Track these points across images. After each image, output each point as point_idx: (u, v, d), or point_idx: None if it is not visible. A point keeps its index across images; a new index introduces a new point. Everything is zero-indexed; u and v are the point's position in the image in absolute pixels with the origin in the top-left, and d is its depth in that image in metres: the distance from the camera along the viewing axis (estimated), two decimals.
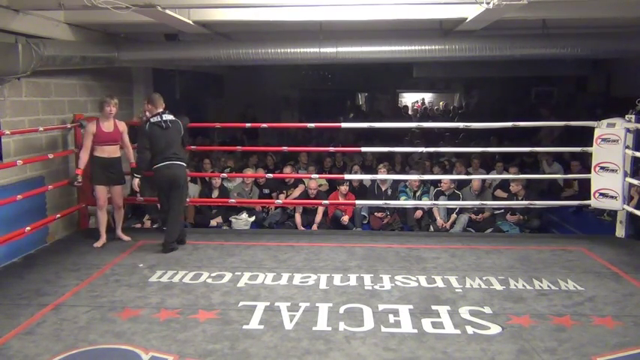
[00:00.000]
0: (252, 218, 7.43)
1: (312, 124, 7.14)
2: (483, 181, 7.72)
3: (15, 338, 3.64)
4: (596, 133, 6.05)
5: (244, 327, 3.81)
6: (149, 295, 4.41)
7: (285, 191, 7.79)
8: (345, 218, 7.29)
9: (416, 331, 3.76)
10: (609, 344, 3.57)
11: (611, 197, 6.00)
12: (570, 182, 8.18)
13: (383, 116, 14.32)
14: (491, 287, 4.60)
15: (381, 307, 4.16)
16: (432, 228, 7.28)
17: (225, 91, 13.96)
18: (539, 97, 14.48)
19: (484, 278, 4.80)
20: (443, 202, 7.30)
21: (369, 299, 4.32)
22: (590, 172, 6.27)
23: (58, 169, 6.20)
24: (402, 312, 4.06)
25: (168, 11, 5.26)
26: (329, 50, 6.86)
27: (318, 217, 7.36)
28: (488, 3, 4.64)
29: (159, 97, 5.70)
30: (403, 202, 7.24)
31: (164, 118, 5.56)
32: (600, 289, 4.56)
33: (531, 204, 6.67)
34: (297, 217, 7.40)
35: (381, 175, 7.57)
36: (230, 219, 7.39)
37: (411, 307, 4.16)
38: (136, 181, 5.67)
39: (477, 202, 7.10)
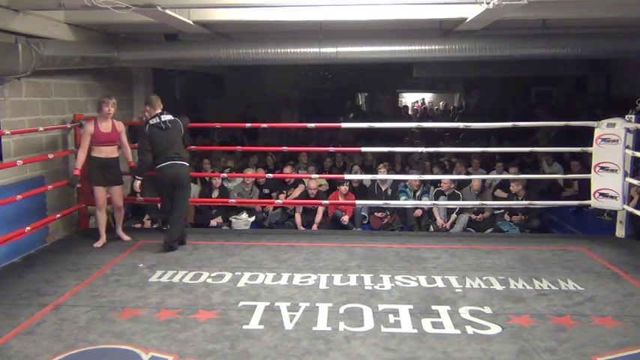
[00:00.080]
0: (252, 218, 7.43)
1: (312, 124, 7.14)
2: (483, 181, 7.72)
3: (15, 338, 3.64)
4: (596, 133, 6.05)
5: (244, 327, 3.81)
6: (149, 295, 4.41)
7: (285, 191, 7.79)
8: (345, 218, 7.29)
9: (416, 331, 3.76)
10: (609, 344, 3.57)
11: (611, 197, 6.00)
12: (570, 182, 8.18)
13: (383, 116, 14.32)
14: (491, 287, 4.60)
15: (381, 307, 4.16)
16: (432, 228, 7.28)
17: (225, 91, 13.96)
18: (539, 97, 14.49)
19: (484, 278, 4.80)
20: (443, 202, 7.30)
21: (369, 299, 4.32)
22: (590, 172, 6.27)
23: (58, 169, 6.20)
24: (402, 312, 4.06)
25: (168, 11, 5.26)
26: (329, 50, 6.86)
27: (318, 217, 7.36)
28: (488, 3, 4.64)
29: (156, 99, 5.70)
30: (403, 202, 7.24)
31: (163, 119, 5.56)
32: (600, 289, 4.56)
33: (531, 204, 6.67)
34: (297, 217, 7.40)
35: (381, 175, 7.57)
36: (230, 219, 7.40)
37: (411, 307, 4.16)
38: (138, 182, 5.67)
39: (477, 202, 7.10)
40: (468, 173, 8.13)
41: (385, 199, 7.29)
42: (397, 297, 4.38)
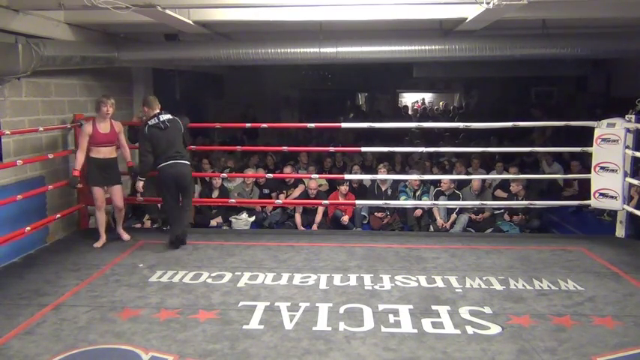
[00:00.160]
0: (252, 218, 7.44)
1: (312, 124, 7.14)
2: (483, 181, 7.72)
3: (15, 338, 3.64)
4: (596, 133, 6.05)
5: (244, 327, 3.81)
6: (149, 295, 4.41)
7: (285, 191, 7.79)
8: (345, 218, 7.29)
9: (416, 331, 3.76)
10: (609, 344, 3.57)
11: (611, 197, 6.00)
12: (570, 182, 8.18)
13: (383, 116, 14.32)
14: (491, 287, 4.60)
15: (381, 307, 4.16)
16: (432, 228, 7.28)
17: (225, 91, 13.96)
18: (539, 97, 14.50)
19: (484, 278, 4.80)
20: (443, 202, 7.30)
21: (369, 299, 4.32)
22: (590, 172, 6.27)
23: (58, 169, 6.20)
24: (402, 312, 4.06)
25: (168, 11, 5.26)
26: (329, 50, 6.86)
27: (318, 217, 7.36)
28: (488, 3, 4.64)
29: (154, 99, 5.71)
30: (403, 202, 7.24)
31: (162, 119, 5.56)
32: (600, 289, 4.56)
33: (531, 204, 6.67)
34: (297, 217, 7.40)
35: (381, 175, 7.57)
36: (230, 219, 7.40)
37: (411, 307, 4.16)
38: (141, 183, 5.69)
39: (477, 202, 7.10)
40: (468, 173, 8.13)
41: (385, 199, 7.29)
42: (397, 297, 4.38)
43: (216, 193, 7.41)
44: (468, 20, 6.02)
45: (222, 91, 13.89)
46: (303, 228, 7.31)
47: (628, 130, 5.86)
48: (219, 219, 7.35)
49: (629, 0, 5.65)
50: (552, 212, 7.79)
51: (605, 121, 6.01)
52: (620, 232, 6.17)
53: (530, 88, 14.53)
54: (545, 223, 7.46)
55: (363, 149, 7.71)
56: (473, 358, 3.40)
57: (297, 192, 7.75)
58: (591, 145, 6.14)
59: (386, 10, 6.01)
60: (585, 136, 6.48)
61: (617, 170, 5.93)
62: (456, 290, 4.53)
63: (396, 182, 7.68)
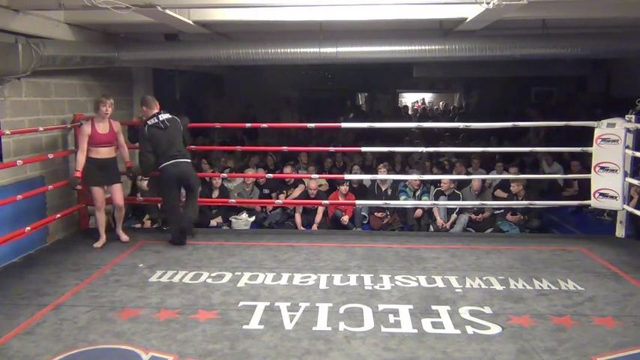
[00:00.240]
0: (252, 218, 7.44)
1: (312, 124, 7.14)
2: (483, 181, 7.72)
3: (15, 338, 3.63)
4: (596, 133, 6.05)
5: (244, 327, 3.81)
6: (149, 295, 4.41)
7: (285, 191, 7.79)
8: (345, 218, 7.29)
9: (416, 331, 3.76)
10: (609, 344, 3.57)
11: (611, 197, 6.00)
12: (570, 182, 8.19)
13: (383, 116, 14.33)
14: (491, 287, 4.60)
15: (381, 307, 4.16)
16: (432, 228, 7.29)
17: (225, 91, 13.97)
18: (539, 97, 14.50)
19: (484, 278, 4.80)
20: (443, 202, 7.30)
21: (369, 299, 4.32)
22: (590, 172, 6.27)
23: (58, 169, 6.20)
24: (402, 312, 4.06)
25: (168, 11, 5.26)
26: (329, 50, 6.86)
27: (318, 217, 7.36)
28: (488, 3, 4.64)
29: (152, 99, 5.71)
30: (403, 202, 7.24)
31: (161, 119, 5.57)
32: (600, 289, 4.56)
33: (531, 204, 6.67)
34: (297, 217, 7.40)
35: (381, 175, 7.58)
36: (230, 219, 7.40)
37: (411, 307, 4.16)
38: (145, 182, 5.70)
39: (477, 202, 7.11)
40: (468, 173, 8.13)
41: (385, 199, 7.29)
42: (397, 297, 4.38)
43: (216, 193, 7.41)
44: (468, 20, 6.01)
45: (222, 91, 13.89)
46: (303, 228, 7.32)
47: (628, 130, 5.86)
48: (219, 219, 7.35)
49: (629, 0, 5.65)
50: (552, 212, 7.79)
51: (605, 121, 6.01)
52: (620, 232, 6.17)
53: (530, 88, 14.54)
54: (545, 223, 7.46)
55: (363, 149, 7.71)
56: (473, 358, 3.40)
57: (297, 192, 7.75)
58: (591, 145, 6.14)
59: (386, 10, 6.01)
60: (585, 136, 6.48)
61: (617, 170, 5.93)
62: (456, 290, 4.53)
63: (396, 182, 7.68)
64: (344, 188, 7.34)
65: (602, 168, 6.04)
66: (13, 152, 5.43)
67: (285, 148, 7.30)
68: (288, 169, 7.99)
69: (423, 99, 19.00)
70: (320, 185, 7.70)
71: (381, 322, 3.89)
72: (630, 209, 5.99)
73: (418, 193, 7.44)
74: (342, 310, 4.11)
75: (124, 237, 5.87)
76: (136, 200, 6.81)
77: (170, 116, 5.64)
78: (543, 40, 6.78)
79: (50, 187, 5.77)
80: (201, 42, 7.36)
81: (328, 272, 4.95)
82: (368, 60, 7.43)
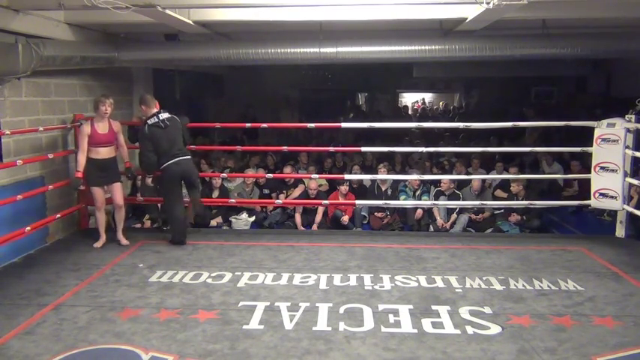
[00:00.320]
0: (252, 218, 7.44)
1: (312, 124, 7.14)
2: (483, 181, 7.72)
3: (15, 338, 3.64)
4: (596, 133, 6.05)
5: (244, 327, 3.81)
6: (149, 295, 4.41)
7: (285, 191, 7.79)
8: (345, 218, 7.29)
9: (416, 331, 3.76)
10: (609, 344, 3.58)
11: (611, 197, 6.00)
12: (570, 182, 8.18)
13: (383, 116, 14.32)
14: (491, 287, 4.60)
15: (381, 307, 4.16)
16: (432, 228, 7.28)
17: (225, 91, 13.96)
18: (539, 97, 14.49)
19: (484, 278, 4.80)
20: (443, 202, 7.30)
21: (369, 299, 4.32)
22: (590, 172, 6.27)
23: (58, 169, 6.20)
24: (402, 312, 4.06)
25: (168, 11, 5.26)
26: (329, 50, 6.86)
27: (318, 217, 7.36)
28: (488, 3, 4.64)
29: (151, 98, 5.71)
30: (403, 202, 7.24)
31: (161, 118, 5.58)
32: (600, 289, 4.56)
33: (531, 204, 6.67)
34: (297, 217, 7.40)
35: (381, 175, 7.57)
36: (230, 219, 7.40)
37: (411, 307, 4.16)
38: (149, 179, 5.74)
39: (477, 202, 7.10)
40: (468, 173, 8.13)
41: (385, 199, 7.29)
42: (397, 297, 4.38)
43: (216, 193, 7.41)
44: (468, 20, 6.01)
45: (222, 91, 13.89)
46: (303, 228, 7.31)
47: (628, 130, 5.86)
48: (219, 219, 7.35)
49: (629, 0, 5.65)
50: (552, 212, 7.79)
51: (605, 121, 6.01)
52: (620, 232, 6.17)
53: (530, 88, 14.52)
54: (545, 223, 7.46)
55: (363, 149, 7.71)
56: (473, 358, 3.40)
57: (297, 192, 7.75)
58: (591, 145, 6.15)
59: (386, 10, 6.01)
60: (585, 136, 6.48)
61: (617, 170, 5.93)
62: (456, 290, 4.53)
63: (396, 182, 7.68)
64: (344, 188, 7.34)
65: (602, 168, 6.04)
66: (13, 152, 5.43)
67: (285, 148, 7.30)
68: (288, 169, 7.98)
69: (423, 99, 19.00)
70: (320, 185, 7.70)
71: (381, 322, 3.89)
72: (630, 209, 5.99)
73: (418, 193, 7.44)
74: (342, 310, 4.11)
75: (124, 241, 5.79)
76: (136, 200, 6.81)
77: (169, 115, 5.65)
78: (543, 40, 6.77)
79: (50, 187, 5.77)
80: (201, 42, 7.36)
81: (328, 272, 4.95)
82: (368, 60, 7.43)
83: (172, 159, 5.56)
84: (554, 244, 5.95)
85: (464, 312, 4.06)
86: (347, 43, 6.92)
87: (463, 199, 7.33)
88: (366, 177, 7.78)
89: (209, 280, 4.73)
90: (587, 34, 7.02)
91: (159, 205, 6.93)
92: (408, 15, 6.00)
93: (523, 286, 4.62)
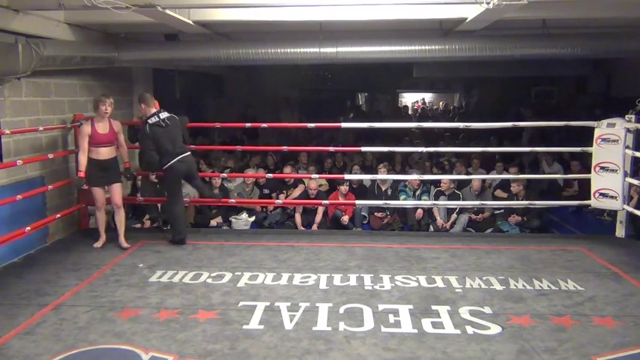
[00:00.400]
0: (252, 218, 7.44)
1: (312, 124, 7.14)
2: (483, 181, 7.72)
3: (15, 338, 3.64)
4: (596, 133, 6.05)
5: (244, 327, 3.81)
6: (149, 295, 4.41)
7: (285, 191, 7.79)
8: (345, 218, 7.29)
9: (416, 331, 3.76)
10: (609, 344, 3.58)
11: (611, 197, 6.00)
12: (570, 182, 8.18)
13: (383, 116, 14.32)
14: (491, 287, 4.60)
15: (381, 307, 4.16)
16: (432, 228, 7.28)
17: (225, 91, 13.97)
18: (539, 97, 14.49)
19: (484, 278, 4.80)
20: (443, 202, 7.30)
21: (369, 299, 4.32)
22: (590, 172, 6.27)
23: (58, 169, 6.20)
24: (402, 312, 4.06)
25: (168, 11, 5.26)
26: (329, 50, 6.86)
27: (318, 217, 7.36)
28: (488, 3, 4.64)
29: (151, 97, 5.73)
30: (403, 202, 7.24)
31: (162, 117, 5.59)
32: (600, 289, 4.56)
33: (531, 204, 6.67)
34: (297, 217, 7.40)
35: (381, 175, 7.57)
36: (230, 219, 7.40)
37: (411, 307, 4.16)
38: (153, 176, 5.78)
39: (477, 202, 7.10)
40: (468, 173, 8.13)
41: (385, 199, 7.29)
42: (397, 297, 4.38)
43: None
44: (468, 20, 6.01)
45: (222, 91, 13.89)
46: (303, 228, 7.31)
47: (628, 130, 5.86)
48: (219, 219, 7.35)
49: (629, 0, 5.65)
50: (552, 212, 7.78)
51: (605, 121, 6.01)
52: (620, 232, 6.17)
53: (531, 88, 14.53)
54: (545, 223, 7.45)
55: (363, 149, 7.70)
56: (473, 358, 3.40)
57: (297, 192, 7.75)
58: (591, 145, 6.15)
59: (386, 10, 6.01)
60: (585, 136, 6.49)
61: (617, 170, 5.93)
62: (456, 290, 4.53)
63: (396, 182, 7.68)
64: (344, 188, 7.34)
65: (602, 168, 6.04)
66: (13, 152, 5.43)
67: (285, 148, 7.29)
68: (288, 169, 7.98)
69: (423, 99, 19.00)
70: (320, 185, 7.70)
71: (381, 322, 3.89)
72: (630, 209, 5.99)
73: (418, 193, 7.44)
74: (342, 310, 4.11)
75: (125, 244, 5.71)
76: (136, 200, 6.81)
77: (169, 115, 5.68)
78: (543, 40, 6.77)
79: (50, 187, 5.77)
80: (201, 42, 7.36)
81: (328, 272, 4.95)
82: (368, 60, 7.43)
83: (176, 157, 5.60)
84: (554, 244, 5.95)
85: (464, 312, 4.06)
86: (347, 43, 6.91)
87: (463, 199, 7.33)
88: (366, 177, 7.78)
89: (209, 280, 4.73)
90: (587, 34, 7.02)
91: (159, 205, 6.94)
92: (408, 15, 6.00)
93: (523, 286, 4.62)
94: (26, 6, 5.13)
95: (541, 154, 8.74)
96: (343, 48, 6.89)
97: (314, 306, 4.17)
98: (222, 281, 4.71)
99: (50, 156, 5.78)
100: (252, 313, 4.03)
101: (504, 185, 7.66)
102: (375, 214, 7.50)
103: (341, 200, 7.36)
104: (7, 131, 5.17)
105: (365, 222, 7.55)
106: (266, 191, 7.78)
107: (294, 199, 7.59)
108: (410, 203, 7.23)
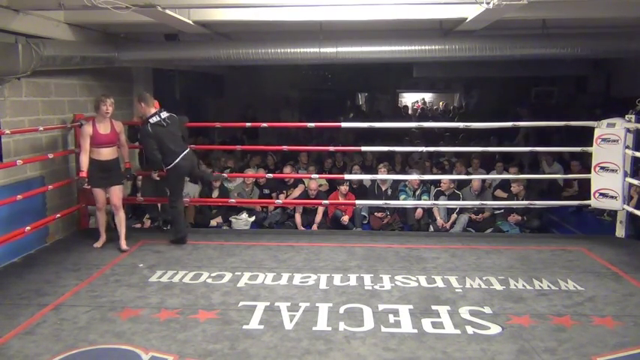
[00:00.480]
0: (252, 218, 7.44)
1: (312, 124, 7.14)
2: (483, 181, 7.72)
3: (15, 338, 3.64)
4: (596, 133, 6.06)
5: (244, 327, 3.81)
6: (149, 295, 4.41)
7: (285, 191, 7.79)
8: (345, 218, 7.29)
9: (416, 331, 3.76)
10: (609, 344, 3.58)
11: (611, 197, 6.00)
12: (570, 182, 8.18)
13: (383, 116, 14.32)
14: (491, 287, 4.60)
15: (381, 307, 4.16)
16: (432, 228, 7.28)
17: (226, 91, 13.96)
18: (539, 97, 14.49)
19: (484, 278, 4.80)
20: (443, 202, 7.30)
21: (369, 299, 4.32)
22: (590, 172, 6.27)
23: (58, 169, 6.20)
24: (402, 312, 4.06)
25: (168, 11, 5.26)
26: (329, 50, 6.85)
27: (318, 217, 7.36)
28: (488, 3, 4.64)
29: (150, 96, 5.75)
30: (403, 202, 7.24)
31: (162, 117, 5.60)
32: (600, 289, 4.57)
33: (531, 204, 6.67)
34: (297, 217, 7.40)
35: (381, 175, 7.57)
36: (230, 219, 7.40)
37: (411, 307, 4.16)
38: (155, 174, 5.80)
39: (477, 202, 7.10)
40: (468, 173, 8.13)
41: (385, 199, 7.29)
42: (397, 297, 4.38)
43: (216, 193, 7.41)
44: (468, 20, 6.01)
45: (222, 91, 13.88)
46: (303, 228, 7.31)
47: (628, 130, 5.86)
48: (219, 219, 7.35)
49: (629, 0, 5.65)
50: (552, 212, 7.78)
51: (605, 121, 6.02)
52: (620, 232, 6.17)
53: (531, 88, 14.52)
54: (545, 223, 7.45)
55: (363, 149, 7.70)
56: (473, 358, 3.40)
57: (297, 192, 7.75)
58: (591, 145, 6.15)
59: (386, 10, 6.01)
60: (585, 136, 6.49)
61: (617, 170, 5.93)
62: (456, 290, 4.53)
63: (396, 182, 7.68)
64: (344, 188, 7.34)
65: (602, 168, 6.04)
66: (13, 152, 5.43)
67: (285, 147, 7.29)
68: (288, 169, 7.98)
69: (423, 99, 18.99)
70: (320, 185, 7.69)
71: (381, 322, 3.89)
72: (630, 209, 5.99)
73: (418, 192, 7.44)
74: (342, 310, 4.11)
75: (125, 247, 5.65)
76: (136, 200, 6.81)
77: (169, 114, 5.71)
78: (543, 40, 6.77)
79: (50, 187, 5.77)
80: (201, 42, 7.35)
81: (328, 272, 4.95)
82: (368, 60, 7.43)
83: (179, 155, 5.65)
84: (554, 244, 5.95)
85: (464, 312, 4.06)
86: (347, 43, 6.91)
87: (463, 199, 7.33)
88: (366, 177, 7.78)
89: (209, 280, 4.73)
90: (587, 34, 7.01)
91: (159, 205, 6.94)
92: (408, 15, 6.00)
93: (523, 286, 4.63)
94: (26, 6, 5.13)
95: (541, 154, 8.74)
96: (343, 48, 6.89)
97: (314, 306, 4.17)
98: (222, 281, 4.71)
99: (50, 156, 5.78)
100: (252, 313, 4.03)
101: (504, 185, 7.66)
102: (375, 214, 7.50)
103: (341, 200, 7.36)
104: (7, 131, 5.17)
105: (365, 222, 7.55)
106: (266, 191, 7.78)
107: (294, 199, 7.59)
108: (410, 203, 7.23)
